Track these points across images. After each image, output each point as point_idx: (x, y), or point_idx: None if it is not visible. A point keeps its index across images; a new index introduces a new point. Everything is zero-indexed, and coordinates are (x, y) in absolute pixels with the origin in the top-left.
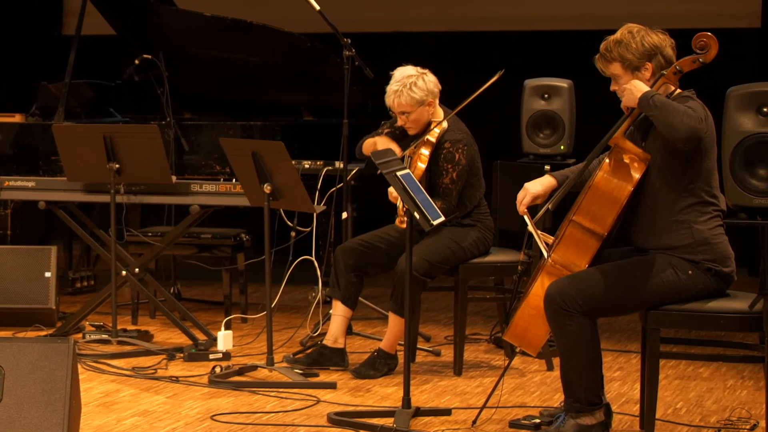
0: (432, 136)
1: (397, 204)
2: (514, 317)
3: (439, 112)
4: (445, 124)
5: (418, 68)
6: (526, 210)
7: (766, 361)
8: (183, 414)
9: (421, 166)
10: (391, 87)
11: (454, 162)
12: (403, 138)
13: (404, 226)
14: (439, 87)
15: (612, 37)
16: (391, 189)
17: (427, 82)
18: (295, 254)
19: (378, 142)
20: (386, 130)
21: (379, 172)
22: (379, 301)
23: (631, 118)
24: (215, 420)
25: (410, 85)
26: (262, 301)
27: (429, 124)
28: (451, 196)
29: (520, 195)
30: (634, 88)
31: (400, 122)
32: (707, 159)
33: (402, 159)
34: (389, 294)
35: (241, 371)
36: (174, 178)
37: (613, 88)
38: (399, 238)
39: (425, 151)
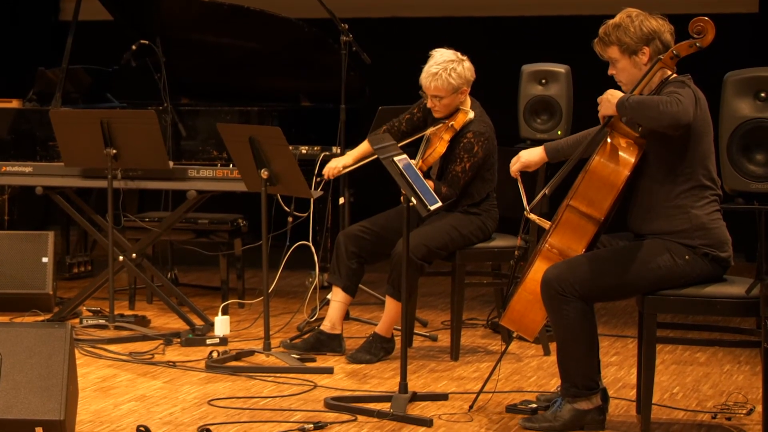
0: (456, 123)
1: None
2: (511, 302)
3: (468, 100)
4: (471, 114)
5: (458, 53)
6: (518, 174)
7: (762, 345)
8: (180, 399)
9: (441, 150)
10: (430, 69)
11: (471, 153)
12: (423, 127)
13: None
14: (474, 76)
15: (611, 21)
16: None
17: (466, 69)
18: (292, 239)
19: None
20: (406, 117)
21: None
22: (377, 287)
23: (611, 124)
24: (212, 405)
25: (450, 70)
26: (259, 286)
27: (456, 110)
28: (457, 185)
29: (512, 161)
30: (611, 97)
31: (429, 104)
32: (702, 143)
33: (421, 138)
34: (387, 279)
35: (238, 356)
36: (171, 163)
37: (610, 72)
38: (400, 224)
39: (446, 137)
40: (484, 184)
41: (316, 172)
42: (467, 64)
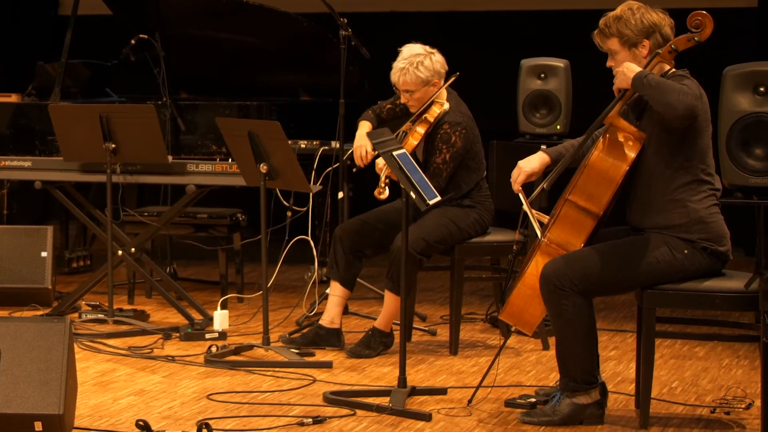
0: (430, 116)
1: (380, 175)
2: (510, 297)
3: (443, 93)
4: (446, 106)
5: (427, 47)
6: (520, 188)
7: (761, 340)
8: (179, 393)
9: (413, 142)
10: (398, 64)
11: (449, 143)
12: (403, 116)
13: (383, 197)
14: (446, 68)
15: (612, 13)
16: (378, 160)
17: (434, 62)
18: (291, 234)
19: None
20: (387, 106)
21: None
22: (376, 281)
23: (626, 97)
24: (211, 399)
25: (417, 64)
26: (258, 280)
27: (432, 103)
28: (440, 177)
29: (514, 173)
30: (626, 70)
31: (403, 100)
32: (702, 137)
33: (397, 135)
34: (385, 274)
35: (237, 351)
36: (170, 157)
37: (609, 64)
38: (398, 218)
39: (420, 129)
40: (471, 173)
41: (315, 166)
42: (436, 56)
